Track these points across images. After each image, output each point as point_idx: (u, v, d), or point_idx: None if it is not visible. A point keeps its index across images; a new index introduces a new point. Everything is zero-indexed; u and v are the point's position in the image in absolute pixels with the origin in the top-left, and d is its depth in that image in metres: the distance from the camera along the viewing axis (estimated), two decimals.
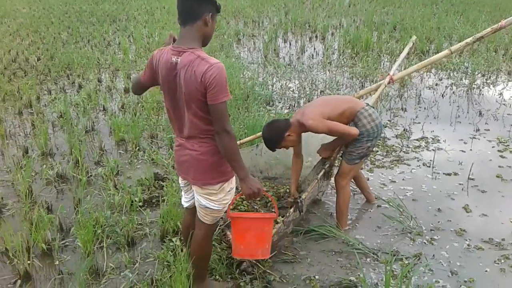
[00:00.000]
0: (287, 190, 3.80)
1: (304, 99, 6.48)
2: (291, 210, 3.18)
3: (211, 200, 2.44)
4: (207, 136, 2.35)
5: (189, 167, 2.43)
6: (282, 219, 3.12)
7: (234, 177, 2.50)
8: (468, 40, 3.63)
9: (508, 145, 4.96)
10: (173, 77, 2.28)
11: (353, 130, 3.21)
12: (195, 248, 2.61)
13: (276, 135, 3.21)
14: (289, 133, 3.20)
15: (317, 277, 3.01)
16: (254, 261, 3.01)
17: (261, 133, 3.83)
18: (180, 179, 2.67)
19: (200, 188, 2.44)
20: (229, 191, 2.48)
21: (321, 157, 3.56)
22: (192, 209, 2.66)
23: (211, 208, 2.46)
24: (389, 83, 3.88)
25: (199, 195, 2.47)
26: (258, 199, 2.45)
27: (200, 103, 2.23)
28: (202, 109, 2.25)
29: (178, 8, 2.27)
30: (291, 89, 7.00)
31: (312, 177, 3.52)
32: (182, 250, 2.85)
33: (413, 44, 4.28)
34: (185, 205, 2.74)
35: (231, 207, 2.59)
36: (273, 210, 3.07)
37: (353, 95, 4.27)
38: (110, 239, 3.39)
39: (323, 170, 3.35)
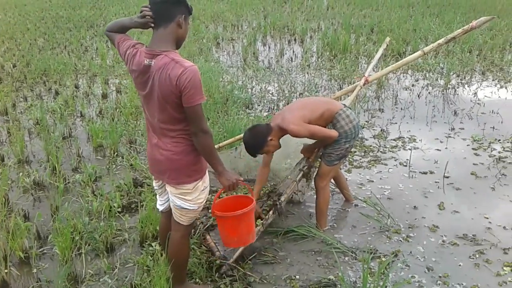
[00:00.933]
0: (267, 192, 3.82)
1: (283, 101, 6.52)
2: (270, 212, 3.20)
3: (186, 200, 2.47)
4: (181, 136, 2.38)
5: (164, 167, 2.45)
6: (262, 221, 3.15)
7: (207, 176, 2.54)
8: (440, 41, 3.70)
9: (482, 143, 5.08)
10: (146, 79, 2.30)
11: (333, 133, 3.24)
12: (173, 251, 2.61)
13: (258, 140, 3.19)
14: (271, 137, 3.20)
15: (297, 277, 3.05)
16: (233, 264, 3.02)
17: (240, 136, 3.87)
18: (154, 182, 2.68)
19: (174, 188, 2.46)
20: (203, 190, 2.51)
21: (303, 156, 3.57)
22: (168, 212, 2.66)
23: (186, 208, 2.48)
24: (364, 84, 3.94)
25: (174, 196, 2.49)
26: (236, 189, 2.51)
27: (175, 104, 2.26)
28: (177, 110, 2.29)
29: (151, 9, 2.29)
30: (270, 92, 7.04)
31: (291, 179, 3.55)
32: (161, 255, 2.84)
33: (387, 45, 4.35)
34: (160, 208, 2.75)
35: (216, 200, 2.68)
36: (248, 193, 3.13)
37: (330, 97, 4.33)
38: (89, 245, 3.37)
39: (301, 172, 3.38)
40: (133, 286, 2.87)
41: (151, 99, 2.34)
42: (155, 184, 2.69)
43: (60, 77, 8.06)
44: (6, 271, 3.06)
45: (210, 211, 2.84)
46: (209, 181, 2.59)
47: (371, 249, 3.27)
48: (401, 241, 3.41)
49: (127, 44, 2.45)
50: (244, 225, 2.73)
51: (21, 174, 4.48)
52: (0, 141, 5.41)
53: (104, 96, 6.86)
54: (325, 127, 3.31)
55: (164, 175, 2.48)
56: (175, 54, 2.26)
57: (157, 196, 2.74)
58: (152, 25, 2.32)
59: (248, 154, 3.33)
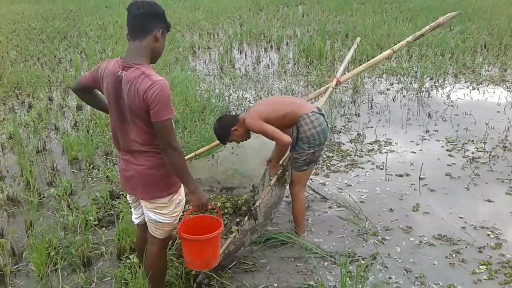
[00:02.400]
0: (245, 199, 3.81)
1: None
2: (246, 218, 3.19)
3: (161, 214, 2.43)
4: (152, 150, 2.33)
5: (136, 183, 2.41)
6: (237, 228, 3.13)
7: (182, 188, 2.50)
8: (409, 38, 3.78)
9: (456, 145, 5.18)
10: (118, 91, 2.26)
11: (284, 137, 3.17)
12: (150, 264, 2.58)
13: (223, 130, 3.34)
14: (236, 128, 3.30)
15: (275, 284, 3.04)
16: (210, 273, 3.00)
17: (216, 142, 3.89)
18: (128, 196, 2.65)
19: (148, 202, 2.42)
20: (178, 203, 2.48)
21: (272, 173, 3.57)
22: (144, 225, 2.62)
23: (161, 222, 2.45)
24: (336, 85, 3.97)
25: (149, 210, 2.45)
26: (205, 209, 2.46)
27: (145, 119, 2.22)
28: (147, 124, 2.24)
29: (128, 22, 2.27)
30: (247, 100, 7.05)
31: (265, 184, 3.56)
32: (139, 267, 2.80)
33: (358, 45, 4.41)
34: (136, 221, 2.72)
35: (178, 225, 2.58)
36: (216, 214, 3.08)
37: (304, 99, 4.35)
38: (65, 260, 3.30)
39: (276, 176, 3.38)
40: None
41: (122, 111, 2.30)
42: (129, 198, 2.66)
43: (33, 89, 7.91)
44: None
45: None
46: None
47: (349, 253, 3.29)
48: (378, 243, 3.45)
49: (97, 70, 2.43)
50: (210, 249, 2.62)
51: None
52: None
53: (79, 108, 6.76)
54: (289, 127, 3.36)
55: (136, 190, 2.43)
56: (147, 68, 2.22)
57: (132, 210, 2.71)
58: None
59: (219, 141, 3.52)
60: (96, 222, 3.74)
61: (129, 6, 2.25)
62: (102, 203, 4.05)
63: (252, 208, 3.17)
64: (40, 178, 4.67)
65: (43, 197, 4.26)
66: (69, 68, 9.49)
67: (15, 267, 3.30)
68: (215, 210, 3.30)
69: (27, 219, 3.79)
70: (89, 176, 4.67)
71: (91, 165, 4.85)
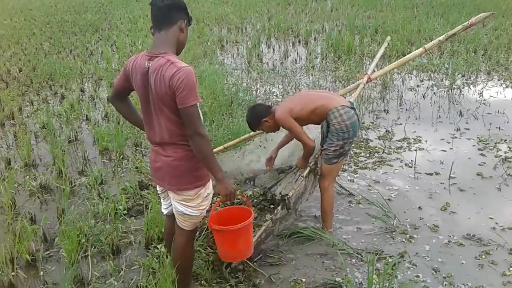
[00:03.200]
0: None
1: None
2: (279, 207, 3.21)
3: (188, 206, 2.45)
4: (181, 142, 2.36)
5: (164, 174, 2.44)
6: (271, 216, 3.16)
7: (210, 182, 2.52)
8: (441, 37, 3.72)
9: (488, 144, 5.05)
10: (146, 82, 2.30)
11: (309, 141, 3.33)
12: (177, 255, 2.62)
13: (254, 118, 3.42)
14: (267, 119, 3.36)
15: (303, 279, 3.03)
16: (244, 261, 3.03)
17: (244, 136, 3.95)
18: (157, 186, 2.69)
19: (176, 194, 2.45)
20: (206, 196, 2.49)
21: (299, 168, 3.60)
22: (172, 216, 2.65)
23: (188, 215, 2.47)
24: (367, 82, 3.95)
25: (176, 202, 2.48)
26: (233, 199, 2.50)
27: (172, 107, 2.26)
28: (175, 113, 2.27)
29: (153, 14, 2.33)
30: (274, 94, 7.05)
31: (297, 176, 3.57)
32: (167, 257, 2.84)
33: (388, 44, 4.36)
34: (165, 212, 2.76)
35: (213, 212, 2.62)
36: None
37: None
38: (95, 248, 3.38)
39: (308, 167, 3.39)
40: None
41: (150, 104, 2.34)
42: (158, 188, 2.70)
43: (66, 81, 8.11)
44: (13, 273, 3.09)
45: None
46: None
47: (377, 250, 3.26)
48: (406, 241, 3.40)
49: (125, 67, 2.45)
50: (243, 239, 2.65)
51: (27, 177, 4.51)
52: (7, 145, 5.45)
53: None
54: (319, 123, 3.45)
55: (164, 182, 2.47)
56: (172, 56, 2.27)
57: (161, 200, 2.75)
58: None
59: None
60: (125, 212, 3.82)
61: (153, 0, 2.31)
62: (131, 193, 4.13)
63: (286, 198, 3.19)
64: (71, 167, 4.79)
65: (75, 185, 4.37)
66: (100, 60, 9.67)
67: (47, 253, 3.40)
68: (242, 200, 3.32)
69: (58, 206, 3.90)
70: (119, 166, 4.76)
71: (121, 156, 4.95)
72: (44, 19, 16.14)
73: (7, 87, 7.91)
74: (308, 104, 3.32)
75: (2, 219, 3.85)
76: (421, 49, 3.82)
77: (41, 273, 3.18)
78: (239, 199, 3.56)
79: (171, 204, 2.61)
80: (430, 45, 3.80)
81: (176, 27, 2.31)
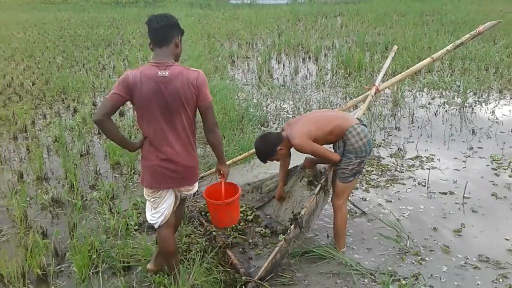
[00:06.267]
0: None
1: None
2: (292, 227, 3.17)
3: (194, 187, 3.00)
4: (192, 146, 2.76)
5: (179, 177, 2.78)
6: (284, 237, 3.13)
7: None
8: (449, 47, 3.71)
9: (502, 163, 4.99)
10: (160, 89, 2.57)
11: (335, 157, 3.28)
12: (173, 246, 2.98)
13: (268, 148, 3.31)
14: (280, 147, 3.28)
15: None
16: (259, 282, 3.01)
17: (253, 150, 3.89)
18: (150, 193, 2.83)
19: (188, 186, 2.91)
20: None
21: (305, 167, 3.60)
22: (168, 222, 2.90)
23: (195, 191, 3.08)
24: (375, 93, 3.92)
25: (186, 191, 2.95)
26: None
27: (193, 108, 2.68)
28: (193, 112, 2.70)
29: (150, 34, 2.68)
30: (285, 110, 7.05)
31: (301, 190, 3.56)
32: (179, 274, 2.83)
33: (395, 53, 4.34)
34: (160, 220, 2.87)
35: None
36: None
37: (341, 107, 4.30)
38: (106, 263, 3.37)
39: (320, 185, 3.36)
40: None
41: (167, 108, 2.60)
42: (152, 195, 2.84)
43: (78, 94, 8.19)
44: None
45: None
46: None
47: (390, 272, 3.21)
48: (421, 263, 3.35)
49: (126, 81, 2.62)
50: (236, 209, 3.28)
51: (39, 191, 4.54)
52: (20, 158, 5.49)
53: (121, 113, 6.94)
54: (335, 142, 3.32)
55: (175, 182, 2.80)
56: (181, 65, 2.68)
57: (153, 210, 2.88)
58: None
59: (258, 159, 3.46)
60: (136, 227, 3.81)
61: (149, 21, 2.67)
62: (142, 208, 4.12)
63: (298, 217, 3.16)
64: (83, 181, 4.80)
65: (86, 200, 4.37)
66: (112, 74, 9.78)
67: (58, 267, 3.39)
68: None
69: (70, 221, 3.90)
70: (130, 181, 4.77)
71: (132, 171, 4.96)
72: (57, 33, 16.39)
73: (20, 100, 8.00)
74: (324, 125, 3.26)
75: (14, 232, 3.85)
76: (428, 59, 3.81)
77: None
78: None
79: (167, 207, 2.86)
80: (437, 55, 3.79)
81: (172, 44, 2.67)
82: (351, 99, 7.44)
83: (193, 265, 3.04)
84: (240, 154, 4.60)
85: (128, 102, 2.70)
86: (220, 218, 3.27)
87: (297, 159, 3.62)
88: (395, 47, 4.48)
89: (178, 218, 3.17)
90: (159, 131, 2.66)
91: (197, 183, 2.99)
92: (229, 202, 3.11)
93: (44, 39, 15.12)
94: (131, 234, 3.71)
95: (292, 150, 3.36)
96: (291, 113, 6.88)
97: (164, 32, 2.65)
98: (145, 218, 3.93)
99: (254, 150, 3.99)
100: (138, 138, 5.64)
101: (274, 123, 6.47)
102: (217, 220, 3.34)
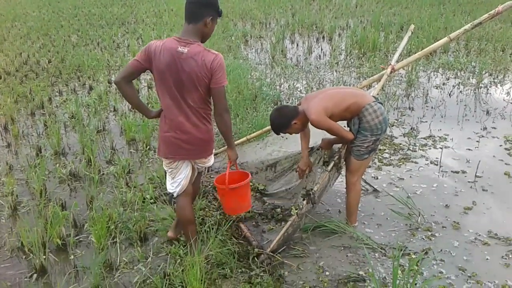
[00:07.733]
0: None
1: None
2: (304, 202, 3.23)
3: (209, 160, 3.03)
4: (205, 118, 2.78)
5: (193, 149, 2.82)
6: (296, 211, 3.19)
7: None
8: (467, 26, 3.67)
9: None
10: (176, 64, 2.59)
11: (349, 135, 3.29)
12: (190, 214, 3.03)
13: (283, 121, 3.30)
14: (295, 121, 3.27)
15: (327, 273, 3.06)
16: (271, 254, 3.10)
17: (267, 128, 3.93)
18: (167, 163, 2.91)
19: (204, 158, 2.95)
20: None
21: (322, 149, 3.61)
22: (186, 191, 2.99)
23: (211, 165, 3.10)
24: (391, 72, 3.90)
25: (202, 163, 3.01)
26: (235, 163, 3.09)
27: (206, 87, 2.65)
28: (207, 92, 2.68)
29: (185, 9, 2.66)
30: (298, 89, 7.06)
31: (320, 169, 3.59)
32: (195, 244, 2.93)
33: (412, 33, 4.30)
34: (178, 189, 2.96)
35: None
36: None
37: (356, 86, 4.29)
38: (123, 234, 3.47)
39: (333, 162, 3.39)
40: (166, 275, 2.95)
41: (180, 83, 2.63)
42: (170, 165, 2.92)
43: (93, 72, 8.28)
44: (44, 257, 3.20)
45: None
46: None
47: (401, 246, 3.27)
48: (431, 239, 3.40)
49: (148, 50, 2.68)
50: (248, 195, 3.22)
51: (57, 165, 4.65)
52: (38, 134, 5.61)
53: (137, 91, 7.00)
54: (351, 119, 3.32)
55: (189, 154, 2.84)
56: (202, 45, 2.65)
57: (171, 179, 2.96)
58: None
59: (272, 130, 3.45)
60: (152, 200, 3.90)
61: None
62: (158, 182, 4.21)
63: (311, 193, 3.21)
64: (99, 156, 4.90)
65: (103, 174, 4.47)
66: (127, 53, 9.83)
67: (77, 237, 3.50)
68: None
69: (88, 194, 4.00)
70: (145, 156, 4.86)
71: (148, 147, 5.04)
72: (71, 11, 16.44)
73: (37, 77, 8.11)
74: (341, 102, 3.25)
75: (34, 204, 3.97)
76: (445, 38, 3.77)
77: (71, 257, 3.28)
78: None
79: (183, 177, 2.93)
80: (455, 34, 3.74)
81: (202, 23, 2.63)
82: (365, 79, 7.42)
83: (208, 237, 3.13)
84: (253, 132, 4.65)
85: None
86: (227, 204, 3.21)
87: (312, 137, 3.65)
88: (412, 26, 4.43)
89: (196, 189, 3.23)
90: (173, 103, 2.71)
91: (212, 156, 3.02)
92: (232, 188, 3.06)
93: (58, 17, 15.19)
94: (148, 207, 3.80)
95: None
96: (304, 92, 6.88)
97: (195, 9, 2.62)
98: (162, 191, 4.08)
99: (267, 128, 4.06)
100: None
101: (287, 102, 6.49)
102: (225, 206, 3.29)
